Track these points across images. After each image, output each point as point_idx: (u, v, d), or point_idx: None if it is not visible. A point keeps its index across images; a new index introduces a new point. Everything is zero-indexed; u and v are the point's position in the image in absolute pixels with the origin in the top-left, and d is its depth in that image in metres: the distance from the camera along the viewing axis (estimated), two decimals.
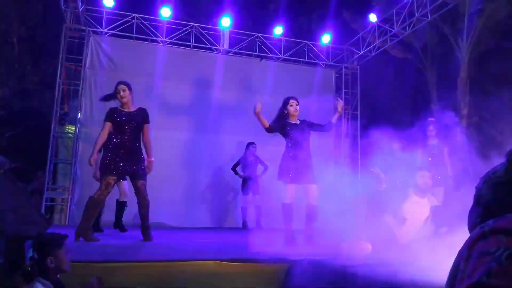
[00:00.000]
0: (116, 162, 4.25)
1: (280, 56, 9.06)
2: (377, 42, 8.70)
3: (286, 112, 4.60)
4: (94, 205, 4.22)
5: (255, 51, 8.99)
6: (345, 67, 9.55)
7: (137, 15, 8.09)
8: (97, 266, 2.78)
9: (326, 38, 9.15)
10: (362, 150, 8.90)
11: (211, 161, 8.13)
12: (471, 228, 0.83)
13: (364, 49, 9.07)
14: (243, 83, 8.56)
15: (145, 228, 4.38)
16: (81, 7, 7.38)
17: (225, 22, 8.44)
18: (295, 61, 9.33)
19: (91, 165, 4.46)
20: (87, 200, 4.29)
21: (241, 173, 7.26)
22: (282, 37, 9.04)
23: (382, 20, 8.51)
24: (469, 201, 0.87)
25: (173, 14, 8.24)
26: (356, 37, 9.33)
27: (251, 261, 3.13)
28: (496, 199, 0.80)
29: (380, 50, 8.94)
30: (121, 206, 5.59)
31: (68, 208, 7.33)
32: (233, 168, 7.32)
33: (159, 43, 8.32)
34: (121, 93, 4.35)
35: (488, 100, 10.06)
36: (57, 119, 7.62)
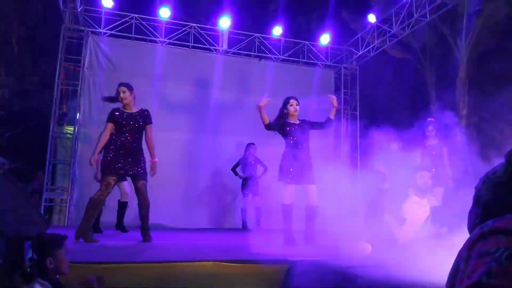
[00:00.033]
0: (116, 162, 4.28)
1: (279, 57, 9.06)
2: (376, 42, 8.70)
3: (286, 111, 4.62)
4: (94, 206, 4.24)
5: (254, 52, 8.99)
6: (344, 68, 9.56)
7: (136, 15, 8.09)
8: (96, 267, 2.78)
9: (325, 39, 9.15)
10: (361, 150, 8.91)
11: (210, 161, 8.12)
12: (470, 229, 0.83)
13: (363, 50, 9.07)
14: (242, 83, 8.55)
15: (144, 229, 4.40)
16: (79, 7, 7.37)
17: (224, 22, 8.43)
18: (294, 61, 9.33)
19: (92, 165, 4.47)
20: (88, 200, 4.31)
21: (241, 174, 7.25)
22: (281, 38, 9.04)
23: (381, 20, 8.52)
24: (469, 202, 0.87)
25: (172, 14, 8.24)
26: (355, 37, 9.34)
27: (250, 262, 3.12)
28: (496, 199, 0.80)
29: (379, 50, 8.94)
30: (122, 206, 5.59)
31: (67, 208, 7.32)
32: (233, 169, 7.31)
33: (158, 43, 8.31)
34: (121, 94, 4.41)
35: (487, 100, 10.08)
36: (55, 120, 7.61)
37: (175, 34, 8.31)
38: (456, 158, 5.60)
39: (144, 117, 4.44)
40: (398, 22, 7.94)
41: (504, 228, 0.69)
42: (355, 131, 9.46)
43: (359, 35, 9.22)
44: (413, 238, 3.81)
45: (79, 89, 7.64)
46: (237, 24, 9.11)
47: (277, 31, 8.88)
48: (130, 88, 4.46)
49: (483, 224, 0.73)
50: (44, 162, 7.41)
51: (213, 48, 8.64)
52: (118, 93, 4.43)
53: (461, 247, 0.75)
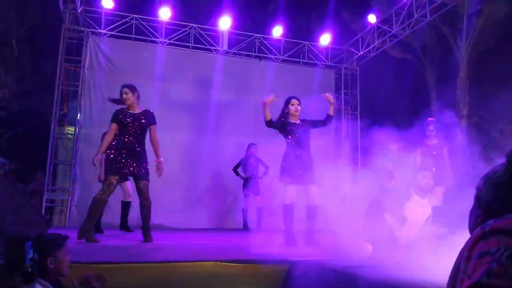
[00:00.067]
0: (118, 162, 4.32)
1: (280, 57, 9.06)
2: (376, 42, 8.70)
3: (287, 111, 4.62)
4: (96, 205, 4.27)
5: (254, 52, 8.99)
6: (345, 68, 9.55)
7: (136, 15, 8.09)
8: (97, 267, 2.78)
9: (325, 39, 9.15)
10: (362, 150, 8.90)
11: (211, 162, 8.11)
12: (471, 229, 0.83)
13: (364, 50, 9.07)
14: (242, 84, 8.55)
15: (145, 229, 4.42)
16: (80, 8, 7.38)
17: (224, 22, 8.43)
18: (294, 61, 9.33)
19: (95, 165, 4.49)
20: (92, 200, 4.34)
21: (242, 174, 7.25)
22: (281, 38, 9.04)
23: (381, 20, 8.52)
24: (470, 202, 0.87)
25: (172, 14, 8.24)
26: (356, 37, 9.33)
27: (251, 262, 3.12)
28: (496, 199, 0.80)
29: (380, 50, 8.94)
30: (125, 206, 5.60)
31: (68, 209, 7.32)
32: (234, 169, 7.31)
33: (158, 44, 8.31)
34: (124, 96, 4.47)
35: (487, 100, 10.07)
36: (56, 120, 7.62)
37: (175, 34, 8.31)
38: (456, 158, 5.60)
39: (147, 118, 4.48)
40: (398, 22, 7.94)
41: (504, 228, 0.69)
42: (355, 131, 9.46)
43: (359, 35, 9.22)
44: (414, 238, 3.80)
45: (79, 89, 7.64)
46: (237, 24, 9.11)
47: (277, 31, 8.87)
48: (132, 89, 4.51)
49: (484, 224, 0.73)
50: (44, 162, 7.41)
51: (213, 49, 8.64)
52: (121, 94, 4.49)
53: (462, 247, 0.75)
